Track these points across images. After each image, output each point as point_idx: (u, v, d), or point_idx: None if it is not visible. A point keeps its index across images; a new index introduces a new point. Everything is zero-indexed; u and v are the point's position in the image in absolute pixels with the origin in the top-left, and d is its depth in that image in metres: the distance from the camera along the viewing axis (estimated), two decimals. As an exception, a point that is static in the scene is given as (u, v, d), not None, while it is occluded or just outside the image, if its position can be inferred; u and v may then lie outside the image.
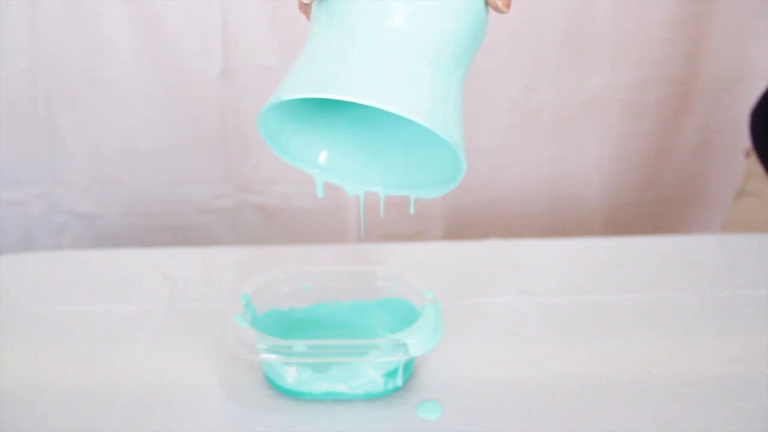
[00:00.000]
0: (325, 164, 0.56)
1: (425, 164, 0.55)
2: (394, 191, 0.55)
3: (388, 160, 0.56)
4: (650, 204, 1.15)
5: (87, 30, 0.97)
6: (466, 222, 1.12)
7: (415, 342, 0.57)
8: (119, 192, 1.07)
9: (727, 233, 0.91)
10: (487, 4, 0.48)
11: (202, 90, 1.00)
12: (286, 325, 0.66)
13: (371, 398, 0.60)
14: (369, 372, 0.59)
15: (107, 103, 1.02)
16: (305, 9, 0.49)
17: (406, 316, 0.65)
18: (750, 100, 0.89)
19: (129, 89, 1.01)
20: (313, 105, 0.53)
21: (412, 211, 0.55)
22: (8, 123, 1.01)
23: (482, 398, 0.60)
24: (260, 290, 0.65)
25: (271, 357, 0.57)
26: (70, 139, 1.03)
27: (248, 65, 1.02)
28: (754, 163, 0.87)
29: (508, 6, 0.48)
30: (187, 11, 0.97)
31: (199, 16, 0.98)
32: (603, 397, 0.60)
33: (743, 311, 0.71)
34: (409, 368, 0.62)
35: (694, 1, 1.00)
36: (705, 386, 0.61)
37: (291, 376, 0.59)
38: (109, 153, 1.05)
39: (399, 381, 0.61)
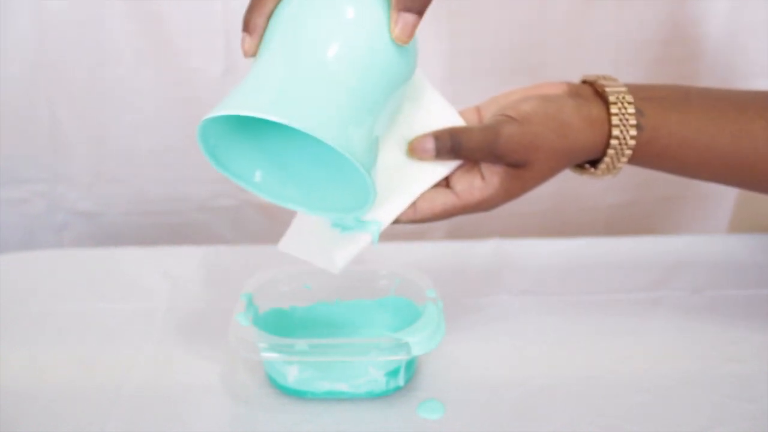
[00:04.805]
0: (248, 182, 0.57)
1: (350, 192, 0.56)
2: (317, 211, 0.58)
3: (312, 185, 0.58)
4: (652, 203, 1.15)
5: (89, 29, 0.97)
6: (468, 221, 1.12)
7: (417, 341, 0.57)
8: (120, 190, 1.07)
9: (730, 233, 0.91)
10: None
11: (204, 89, 1.00)
12: (287, 324, 0.66)
13: (373, 397, 0.60)
14: (370, 371, 0.59)
15: (109, 102, 1.01)
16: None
17: (407, 315, 0.65)
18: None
19: (131, 88, 1.01)
20: (252, 126, 0.55)
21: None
22: (9, 121, 1.01)
23: (484, 397, 0.60)
24: (262, 289, 0.66)
25: (272, 356, 0.57)
26: (72, 137, 1.03)
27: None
28: None
29: (408, 36, 0.51)
30: (189, 10, 0.97)
31: (202, 16, 0.98)
32: (603, 397, 0.60)
33: (743, 311, 0.71)
34: (411, 367, 0.62)
35: (692, 1, 1.00)
36: (705, 386, 0.61)
37: (292, 375, 0.59)
38: (110, 151, 1.04)
39: (401, 380, 0.61)
